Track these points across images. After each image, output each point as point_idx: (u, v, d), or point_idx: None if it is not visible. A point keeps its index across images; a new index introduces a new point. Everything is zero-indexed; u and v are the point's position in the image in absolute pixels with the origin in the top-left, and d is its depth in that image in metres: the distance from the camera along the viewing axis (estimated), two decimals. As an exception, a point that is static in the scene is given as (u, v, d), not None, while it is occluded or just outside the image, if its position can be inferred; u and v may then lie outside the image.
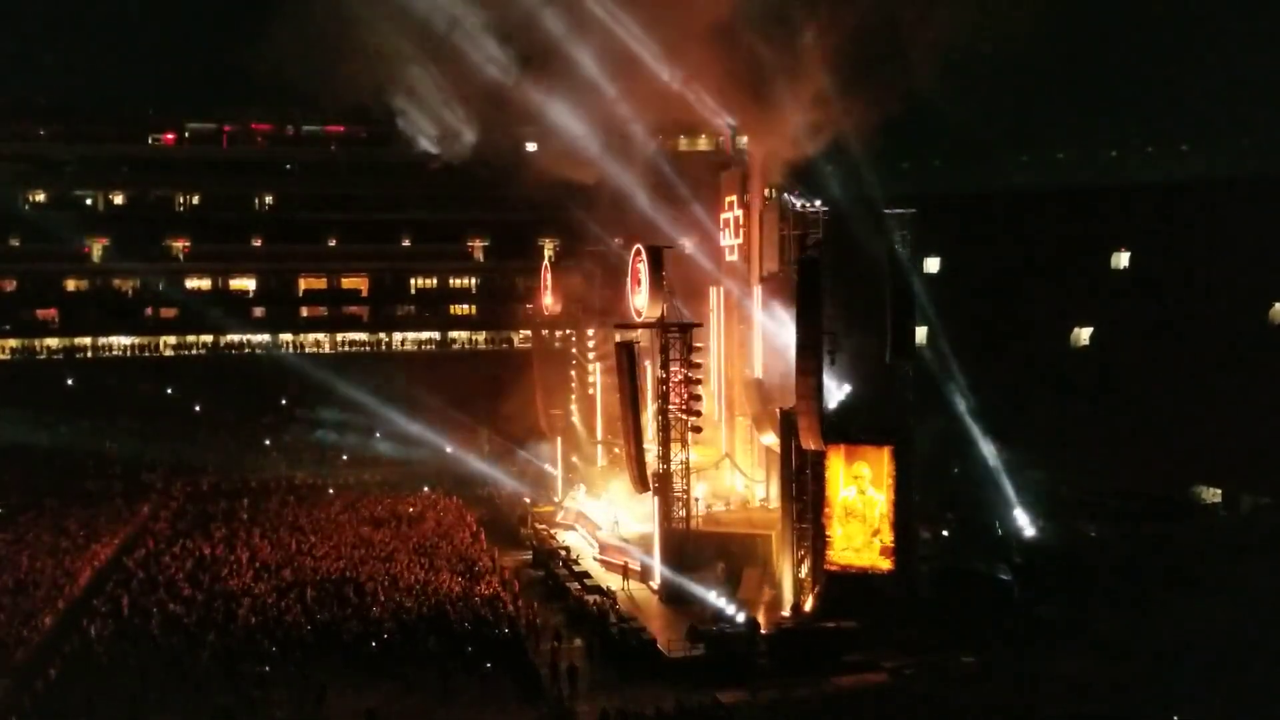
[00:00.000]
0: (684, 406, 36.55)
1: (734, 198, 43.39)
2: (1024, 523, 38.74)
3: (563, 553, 41.15)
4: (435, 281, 76.04)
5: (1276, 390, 48.45)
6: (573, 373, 51.94)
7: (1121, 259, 66.35)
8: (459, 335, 75.15)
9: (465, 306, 76.22)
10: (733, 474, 42.89)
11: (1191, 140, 72.64)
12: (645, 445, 37.79)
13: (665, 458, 36.44)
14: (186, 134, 76.90)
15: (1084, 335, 63.28)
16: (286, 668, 28.30)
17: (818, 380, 31.51)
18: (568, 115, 54.15)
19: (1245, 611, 33.05)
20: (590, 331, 50.37)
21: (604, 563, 40.19)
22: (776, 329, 39.15)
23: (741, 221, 42.80)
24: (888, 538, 32.56)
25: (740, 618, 31.43)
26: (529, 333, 63.29)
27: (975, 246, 64.25)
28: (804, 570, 33.19)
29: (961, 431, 44.98)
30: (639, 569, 37.86)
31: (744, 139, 46.01)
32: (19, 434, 57.91)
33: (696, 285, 44.13)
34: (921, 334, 40.46)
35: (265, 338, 72.05)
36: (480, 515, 48.80)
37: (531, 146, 75.90)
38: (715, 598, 33.27)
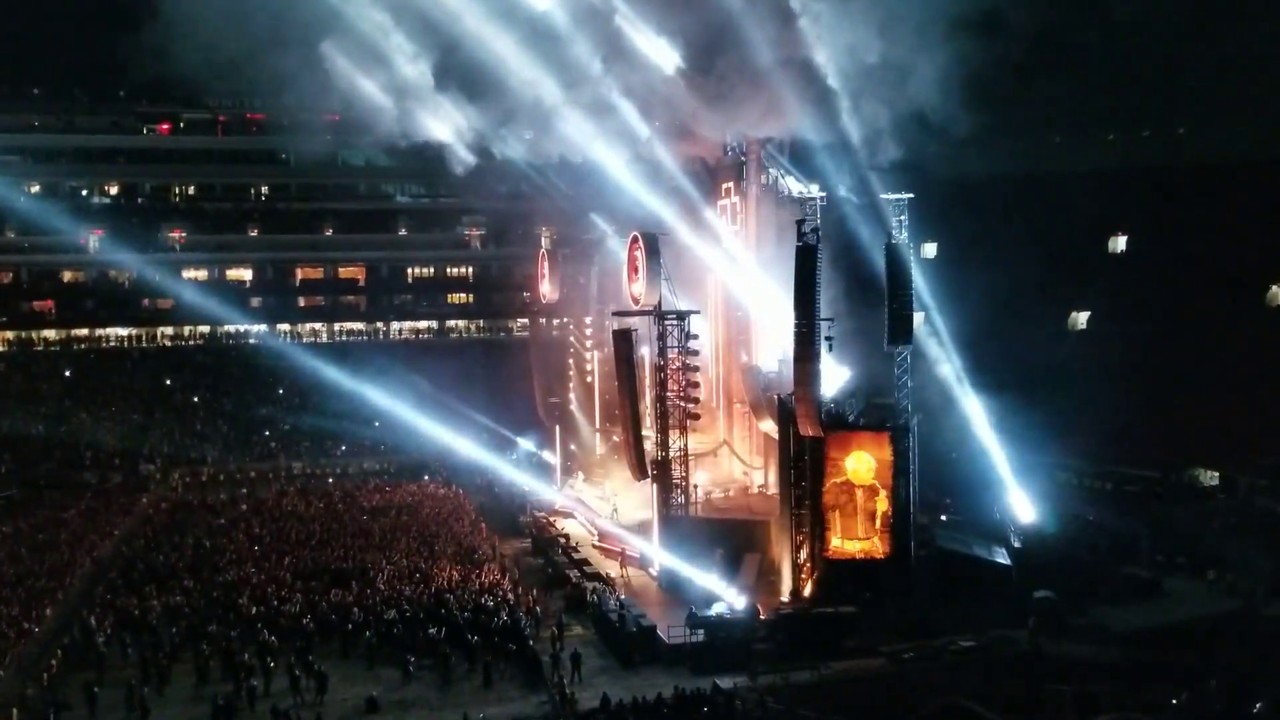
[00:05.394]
0: (682, 394, 36.58)
1: (731, 184, 43.29)
2: (1022, 506, 38.80)
3: (562, 540, 41.25)
4: (432, 270, 75.91)
5: (1273, 373, 48.56)
6: (570, 361, 51.91)
7: (1119, 243, 66.46)
8: (456, 324, 75.06)
9: (462, 295, 76.15)
10: (731, 461, 42.95)
11: (1189, 123, 72.57)
12: (643, 433, 37.85)
13: (663, 445, 36.50)
14: (181, 124, 76.75)
15: (1081, 319, 63.35)
16: (287, 657, 28.36)
17: (815, 367, 31.60)
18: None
19: (1243, 593, 33.25)
20: (588, 319, 50.33)
21: (603, 550, 40.28)
22: (774, 316, 39.12)
23: (738, 208, 42.73)
24: (886, 523, 32.65)
25: (739, 604, 31.51)
26: (526, 321, 63.23)
27: (972, 231, 64.30)
28: (803, 556, 33.31)
29: (959, 416, 45.00)
30: (638, 556, 37.95)
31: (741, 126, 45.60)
32: (17, 425, 57.92)
33: (694, 272, 44.06)
34: (919, 319, 40.41)
35: (262, 327, 71.91)
36: (479, 503, 48.91)
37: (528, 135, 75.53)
38: (714, 584, 33.35)
